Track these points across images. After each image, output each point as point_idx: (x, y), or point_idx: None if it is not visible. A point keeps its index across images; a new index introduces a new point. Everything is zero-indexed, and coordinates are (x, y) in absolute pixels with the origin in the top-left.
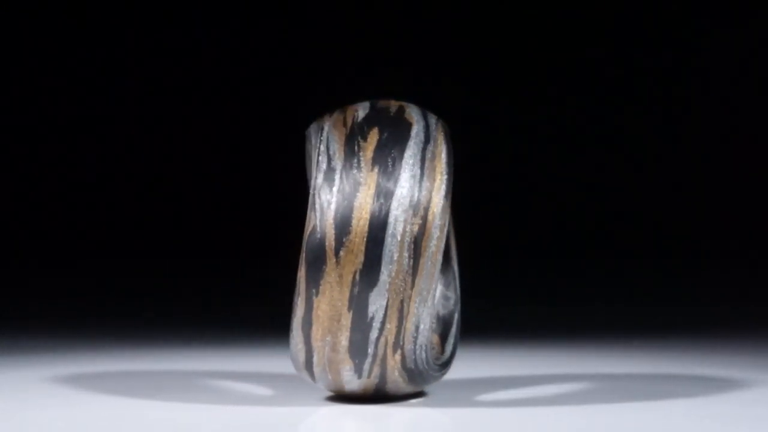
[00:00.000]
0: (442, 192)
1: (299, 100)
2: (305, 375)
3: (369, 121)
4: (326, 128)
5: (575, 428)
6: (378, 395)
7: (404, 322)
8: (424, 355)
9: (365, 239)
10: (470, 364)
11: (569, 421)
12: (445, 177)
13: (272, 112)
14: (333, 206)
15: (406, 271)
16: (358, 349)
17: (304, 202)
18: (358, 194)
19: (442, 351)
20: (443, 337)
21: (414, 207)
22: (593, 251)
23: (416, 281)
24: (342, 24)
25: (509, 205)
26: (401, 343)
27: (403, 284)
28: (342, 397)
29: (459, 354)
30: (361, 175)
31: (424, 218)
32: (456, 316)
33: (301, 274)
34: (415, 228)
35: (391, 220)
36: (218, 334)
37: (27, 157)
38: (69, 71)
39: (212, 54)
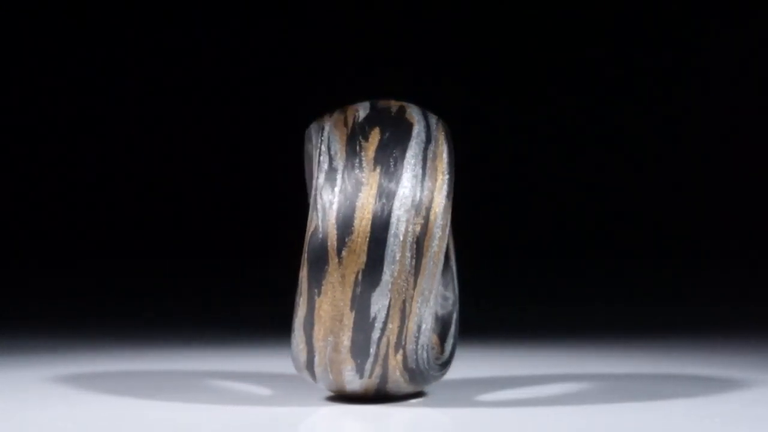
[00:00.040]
0: (444, 192)
1: (299, 100)
2: (306, 375)
3: (370, 121)
4: (327, 128)
5: (575, 428)
6: (379, 395)
7: (406, 321)
8: (425, 355)
9: (367, 239)
10: (470, 364)
11: (569, 421)
12: (447, 177)
13: (272, 112)
14: (335, 206)
15: (409, 271)
16: (360, 349)
17: (304, 202)
18: (360, 194)
19: (442, 351)
20: (442, 337)
21: (416, 207)
22: (593, 251)
23: (418, 281)
24: (342, 24)
25: (509, 205)
26: (403, 343)
27: (405, 284)
28: (342, 397)
29: (459, 354)
30: (363, 175)
31: (426, 218)
32: (455, 316)
33: (303, 274)
34: (418, 228)
35: (393, 220)
36: (218, 334)
37: (27, 157)
38: (69, 71)
39: (212, 54)
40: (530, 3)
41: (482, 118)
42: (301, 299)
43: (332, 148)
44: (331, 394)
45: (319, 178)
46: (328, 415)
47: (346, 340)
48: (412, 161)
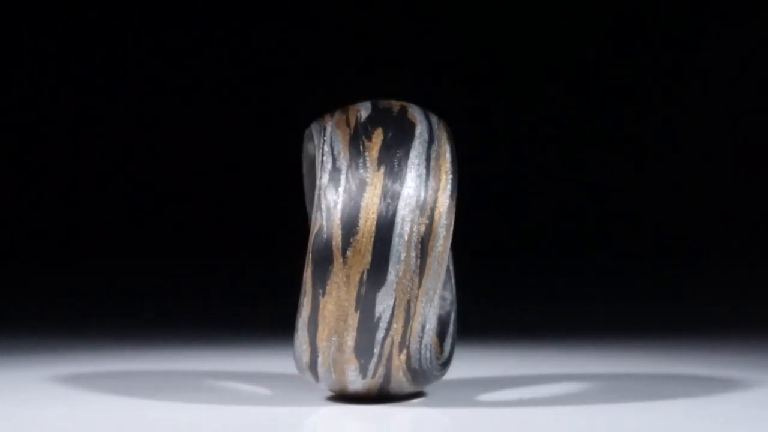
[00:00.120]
0: (448, 192)
1: (299, 100)
2: (308, 375)
3: (372, 121)
4: (329, 128)
5: (575, 428)
6: (381, 395)
7: (411, 321)
8: (428, 354)
9: (372, 239)
10: (470, 364)
11: (569, 421)
12: (451, 177)
13: (272, 112)
14: (339, 206)
15: (414, 271)
16: (364, 350)
17: (304, 202)
18: (364, 194)
19: (441, 351)
20: (441, 337)
21: (421, 207)
22: (593, 251)
23: (423, 281)
24: (342, 24)
25: (509, 205)
26: (407, 343)
27: (410, 284)
28: (342, 397)
29: (459, 354)
30: (367, 175)
31: (431, 218)
32: (453, 315)
33: (308, 274)
34: (422, 228)
35: (398, 220)
36: (218, 334)
37: (27, 157)
38: (69, 71)
39: (212, 54)
40: (530, 3)
41: (482, 118)
42: (305, 299)
43: (335, 148)
44: (331, 394)
45: (323, 179)
46: (329, 415)
47: (350, 340)
48: (416, 161)
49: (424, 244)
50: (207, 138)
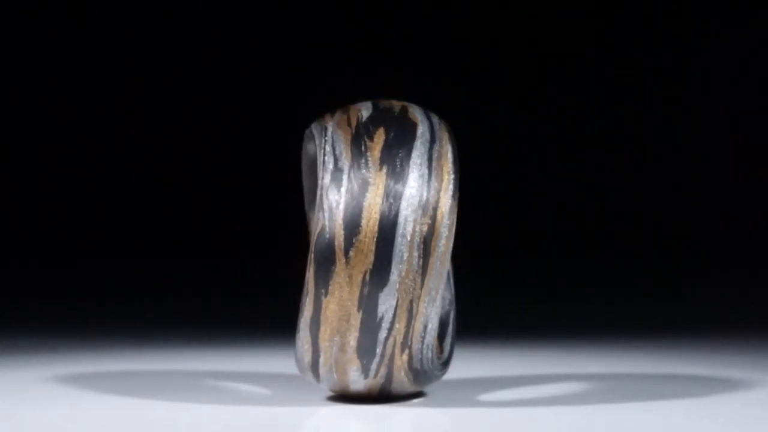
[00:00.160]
0: (450, 192)
1: (299, 100)
2: (309, 375)
3: (374, 121)
4: (330, 128)
5: (575, 428)
6: (382, 395)
7: (413, 321)
8: (430, 354)
9: (375, 239)
10: (470, 364)
11: (569, 421)
12: (452, 177)
13: (272, 112)
14: (342, 206)
15: (416, 271)
16: (366, 350)
17: (304, 202)
18: (367, 194)
19: (441, 350)
20: (440, 337)
21: (423, 207)
22: (593, 251)
23: (426, 281)
24: (342, 24)
25: (509, 205)
26: (409, 342)
27: (413, 284)
28: (343, 397)
29: (459, 354)
30: (369, 175)
31: (433, 218)
32: (452, 315)
33: (310, 274)
34: (425, 228)
35: (401, 220)
36: (218, 334)
37: (27, 157)
38: (69, 71)
39: (212, 54)
40: (530, 3)
41: (482, 118)
42: (308, 299)
43: (337, 148)
44: (331, 394)
45: (325, 179)
46: (329, 415)
47: (352, 340)
48: (418, 161)
49: (426, 244)
50: (207, 138)
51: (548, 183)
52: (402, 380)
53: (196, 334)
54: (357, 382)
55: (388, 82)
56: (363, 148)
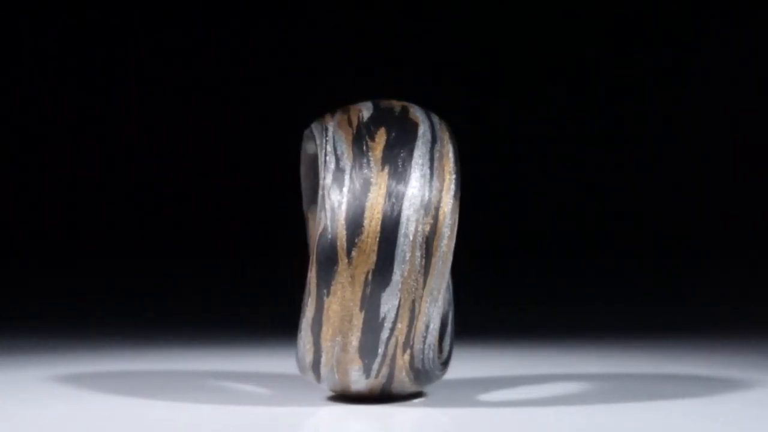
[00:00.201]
0: (452, 192)
1: (299, 100)
2: (310, 376)
3: (375, 121)
4: (331, 128)
5: (575, 428)
6: (383, 395)
7: (415, 321)
8: (431, 354)
9: (378, 239)
10: (470, 364)
11: (569, 421)
12: (454, 176)
13: (272, 112)
14: (344, 206)
15: (418, 271)
16: (368, 350)
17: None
18: (369, 194)
19: (440, 350)
20: (440, 337)
21: (425, 207)
22: (593, 251)
23: (428, 281)
24: (342, 24)
25: (509, 205)
26: (411, 342)
27: (415, 284)
28: (343, 397)
29: (459, 354)
30: (371, 175)
31: (435, 218)
32: (450, 315)
33: (312, 274)
34: (427, 228)
35: (403, 220)
36: (218, 334)
37: (27, 157)
38: (69, 71)
39: (212, 54)
40: (530, 3)
41: (482, 118)
42: (310, 299)
43: (338, 149)
44: (331, 394)
45: (326, 179)
46: (329, 415)
47: (354, 340)
48: (420, 161)
49: (428, 244)
50: (207, 138)
51: (548, 183)
52: (403, 380)
53: (196, 334)
54: (358, 382)
55: (388, 82)
56: (364, 148)
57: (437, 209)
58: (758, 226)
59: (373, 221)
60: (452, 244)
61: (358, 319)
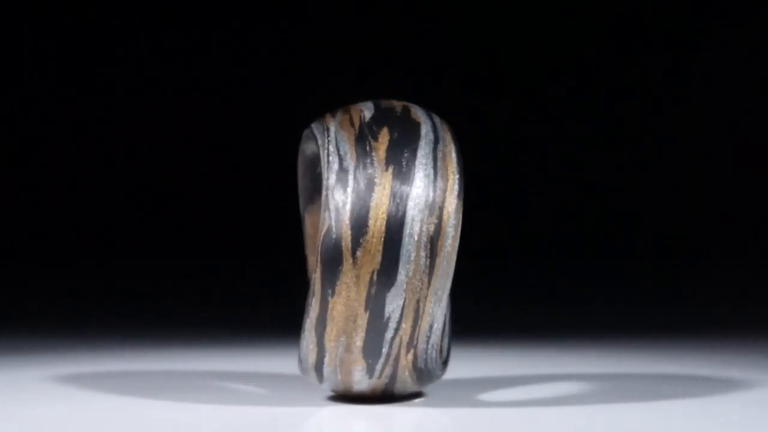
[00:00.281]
0: (456, 191)
1: (299, 100)
2: (312, 376)
3: (377, 121)
4: (333, 128)
5: (575, 428)
6: (385, 395)
7: (419, 321)
8: (434, 354)
9: (383, 239)
10: (470, 364)
11: (569, 421)
12: (457, 177)
13: (272, 112)
14: (348, 206)
15: (423, 271)
16: (372, 350)
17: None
18: (373, 194)
19: (440, 350)
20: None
21: (430, 207)
22: (593, 251)
23: (432, 281)
24: (342, 24)
25: (509, 205)
26: (415, 342)
27: (419, 284)
28: (343, 397)
29: (459, 354)
30: (375, 175)
31: (440, 218)
32: (448, 314)
33: (316, 275)
34: (431, 228)
35: (408, 220)
36: (218, 334)
37: (27, 157)
38: (69, 71)
39: (212, 54)
40: (530, 3)
41: (482, 118)
42: (314, 299)
43: (341, 149)
44: (331, 394)
45: (330, 179)
46: (329, 415)
47: (358, 340)
48: (424, 161)
49: (433, 244)
50: (207, 138)
51: (548, 183)
52: (405, 380)
53: (196, 334)
54: (361, 382)
55: (388, 82)
56: (368, 148)
57: (441, 209)
58: (758, 226)
59: (378, 221)
60: (456, 244)
61: (363, 319)
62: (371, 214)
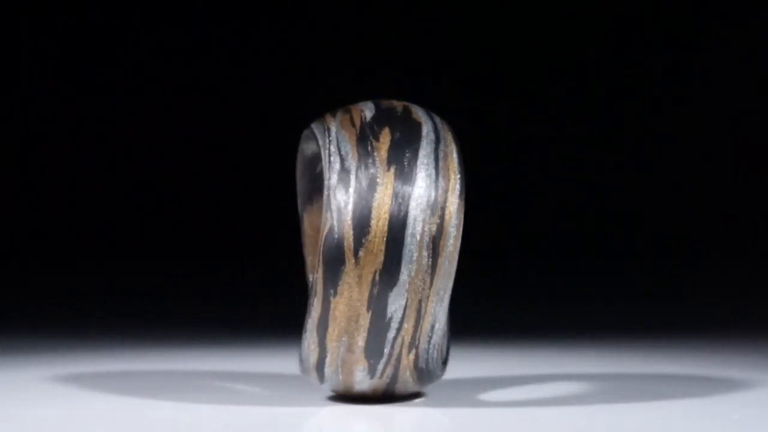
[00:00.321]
0: (457, 191)
1: (299, 100)
2: (313, 376)
3: (378, 121)
4: (334, 128)
5: (575, 428)
6: (385, 395)
7: (421, 321)
8: (435, 354)
9: (385, 239)
10: (470, 364)
11: (569, 421)
12: (459, 176)
13: (272, 112)
14: (350, 206)
15: (425, 271)
16: (374, 350)
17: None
18: (375, 194)
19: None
20: None
21: (431, 207)
22: (593, 251)
23: (434, 281)
24: (342, 24)
25: (509, 205)
26: (417, 342)
27: (422, 284)
28: (343, 397)
29: (459, 354)
30: (377, 175)
31: (442, 218)
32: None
33: (318, 275)
34: (433, 228)
35: (410, 220)
36: (218, 334)
37: (27, 157)
38: (69, 71)
39: (212, 54)
40: (530, 3)
41: (482, 118)
42: (316, 300)
43: (342, 149)
44: (331, 394)
45: (332, 179)
46: (329, 415)
47: (360, 340)
48: (425, 161)
49: (435, 244)
50: (207, 138)
51: (548, 183)
52: (407, 380)
53: (196, 334)
54: (362, 382)
55: (388, 82)
56: (369, 148)
57: (443, 209)
58: (758, 226)
59: (380, 221)
60: (458, 244)
61: (365, 319)
62: (373, 214)
